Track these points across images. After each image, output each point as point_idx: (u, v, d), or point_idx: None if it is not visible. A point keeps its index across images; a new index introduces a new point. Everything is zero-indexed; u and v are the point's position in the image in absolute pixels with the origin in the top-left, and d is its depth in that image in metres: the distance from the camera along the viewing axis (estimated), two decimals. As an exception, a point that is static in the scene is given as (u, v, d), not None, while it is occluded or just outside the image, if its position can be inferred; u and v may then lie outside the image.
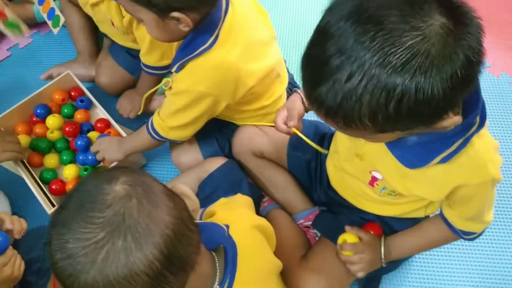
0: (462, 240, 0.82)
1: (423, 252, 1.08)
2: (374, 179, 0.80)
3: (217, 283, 0.64)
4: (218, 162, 1.04)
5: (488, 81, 1.38)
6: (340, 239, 0.89)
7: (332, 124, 0.57)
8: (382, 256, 0.87)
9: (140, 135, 1.04)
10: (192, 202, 0.61)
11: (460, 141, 0.63)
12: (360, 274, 0.87)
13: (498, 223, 1.13)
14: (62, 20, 1.28)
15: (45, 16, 1.39)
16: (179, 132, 0.97)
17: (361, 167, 0.80)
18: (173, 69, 0.89)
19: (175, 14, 0.74)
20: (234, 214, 0.78)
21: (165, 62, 1.10)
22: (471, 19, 0.50)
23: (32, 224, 1.17)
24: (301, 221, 1.05)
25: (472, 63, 0.50)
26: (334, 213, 0.99)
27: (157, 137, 0.99)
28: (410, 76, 0.47)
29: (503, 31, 1.48)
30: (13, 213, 1.16)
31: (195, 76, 0.86)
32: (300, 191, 1.06)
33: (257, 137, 1.05)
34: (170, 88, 0.92)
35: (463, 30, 0.49)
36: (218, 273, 0.65)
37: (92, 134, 1.19)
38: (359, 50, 0.48)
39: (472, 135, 0.63)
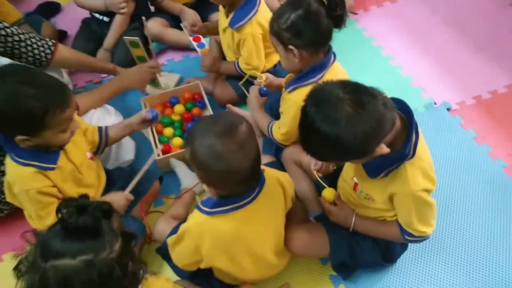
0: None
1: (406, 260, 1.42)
2: (356, 184, 1.19)
3: None
4: (266, 158, 1.53)
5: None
6: (323, 193, 1.30)
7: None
8: (352, 222, 1.23)
9: (264, 121, 1.56)
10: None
11: (397, 164, 1.02)
12: (332, 218, 1.28)
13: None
14: (206, 46, 1.99)
15: (195, 44, 2.10)
16: (284, 138, 1.48)
17: (350, 174, 1.20)
18: (288, 89, 1.39)
19: (291, 47, 1.28)
20: (268, 168, 1.18)
21: (250, 71, 1.74)
22: (371, 99, 0.90)
23: (138, 164, 1.70)
24: (310, 218, 1.44)
25: (370, 126, 0.89)
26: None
27: (271, 136, 1.52)
28: (338, 130, 0.89)
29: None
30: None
31: (303, 95, 1.33)
32: (316, 196, 1.46)
33: (302, 152, 1.49)
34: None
35: (363, 108, 0.89)
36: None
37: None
38: (314, 122, 0.91)
39: (404, 161, 1.01)
